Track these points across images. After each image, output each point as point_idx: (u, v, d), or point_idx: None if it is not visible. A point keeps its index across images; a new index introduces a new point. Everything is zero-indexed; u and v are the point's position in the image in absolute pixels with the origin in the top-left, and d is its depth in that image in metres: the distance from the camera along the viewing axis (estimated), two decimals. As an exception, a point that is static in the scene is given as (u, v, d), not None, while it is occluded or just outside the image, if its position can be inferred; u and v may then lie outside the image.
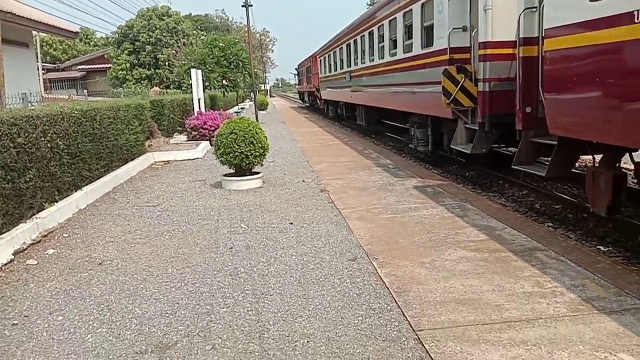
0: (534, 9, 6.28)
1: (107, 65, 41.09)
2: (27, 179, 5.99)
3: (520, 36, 6.43)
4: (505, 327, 3.44)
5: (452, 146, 9.19)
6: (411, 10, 10.57)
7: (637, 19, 4.16)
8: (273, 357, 3.20)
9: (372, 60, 14.67)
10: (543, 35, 5.76)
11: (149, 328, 3.66)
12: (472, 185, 9.02)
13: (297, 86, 60.68)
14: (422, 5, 9.89)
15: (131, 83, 35.63)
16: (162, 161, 11.78)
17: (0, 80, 7.27)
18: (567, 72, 5.25)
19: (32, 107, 7.20)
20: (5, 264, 5.07)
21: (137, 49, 38.41)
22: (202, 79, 18.15)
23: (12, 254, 5.27)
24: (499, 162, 9.52)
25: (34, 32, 18.31)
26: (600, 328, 3.36)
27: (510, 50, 7.26)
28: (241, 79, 25.83)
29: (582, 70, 5.06)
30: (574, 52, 5.10)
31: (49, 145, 6.58)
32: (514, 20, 6.82)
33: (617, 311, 3.58)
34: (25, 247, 5.55)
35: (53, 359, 3.32)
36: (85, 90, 15.70)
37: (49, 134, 6.60)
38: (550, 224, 6.54)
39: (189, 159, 12.23)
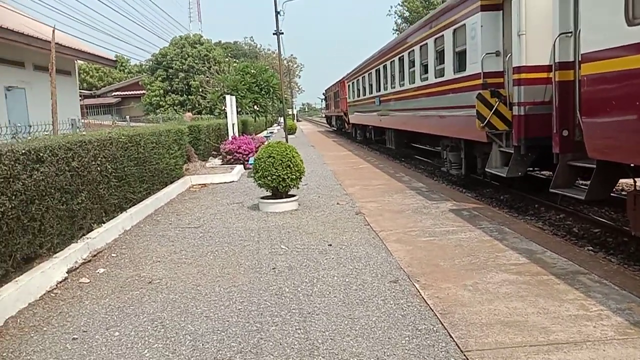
0: (569, 34, 6.37)
1: (141, 92, 42.44)
2: (79, 201, 6.30)
3: (555, 60, 6.52)
4: (553, 349, 3.47)
5: (486, 170, 9.22)
6: (443, 35, 10.76)
7: (677, 44, 4.23)
8: (325, 374, 3.31)
9: (402, 84, 14.87)
10: (580, 59, 5.84)
11: (202, 344, 3.81)
12: (507, 209, 9.01)
13: (324, 110, 61.35)
14: (454, 31, 10.06)
15: (164, 109, 36.65)
16: (200, 184, 12.10)
17: (53, 107, 7.68)
18: (605, 96, 5.31)
19: (83, 133, 7.57)
20: (60, 282, 5.32)
21: (170, 76, 39.62)
22: (235, 105, 18.64)
23: (66, 272, 5.53)
24: (532, 186, 9.49)
25: (75, 61, 19.19)
26: (650, 351, 3.36)
27: (544, 75, 7.34)
28: (270, 104, 26.38)
29: (621, 93, 5.12)
30: (612, 75, 5.17)
31: (98, 168, 6.90)
32: (547, 45, 6.93)
33: (666, 335, 3.57)
34: (77, 266, 5.80)
35: (114, 372, 3.49)
36: (127, 116, 16.29)
37: (99, 158, 6.93)
38: (591, 248, 6.50)
39: (224, 182, 12.52)
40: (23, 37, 13.08)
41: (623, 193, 8.72)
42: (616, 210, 8.02)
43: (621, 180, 8.00)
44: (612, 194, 7.57)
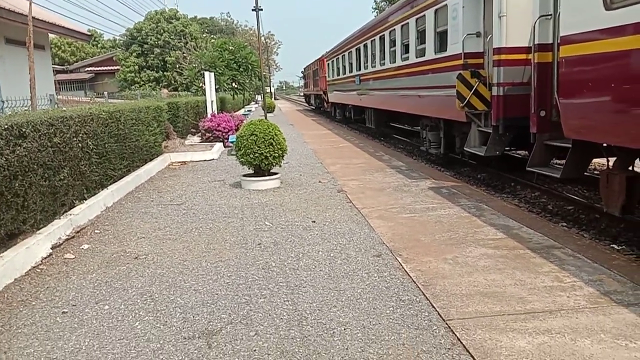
0: (549, 17, 6.51)
1: (116, 68, 41.49)
2: (61, 177, 6.24)
3: (535, 42, 6.67)
4: (530, 317, 3.66)
5: (465, 149, 9.42)
6: (424, 15, 10.82)
7: (652, 28, 4.39)
8: (314, 342, 3.44)
9: (383, 64, 14.92)
10: (559, 41, 6.00)
11: (193, 316, 3.90)
12: (485, 187, 9.25)
13: (302, 89, 61.00)
14: (436, 11, 10.13)
15: (139, 85, 35.98)
16: (179, 162, 12.04)
17: (32, 82, 7.52)
18: (583, 78, 5.48)
19: (64, 109, 7.46)
20: (45, 258, 5.32)
21: (146, 52, 38.79)
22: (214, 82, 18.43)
23: (50, 249, 5.52)
24: (509, 165, 9.74)
25: (49, 35, 18.61)
26: (619, 319, 3.58)
27: (523, 56, 7.50)
28: (249, 81, 26.14)
29: (597, 75, 5.29)
30: (590, 58, 5.33)
31: (80, 145, 6.83)
32: (527, 27, 7.07)
33: (634, 304, 3.80)
34: (61, 242, 5.80)
35: (106, 343, 3.55)
36: (105, 92, 15.98)
37: (80, 134, 6.85)
38: (565, 224, 6.77)
39: (204, 160, 12.48)
40: (-6, 9, 12.62)
41: (595, 172, 9.04)
42: (589, 188, 8.32)
43: (594, 160, 8.29)
44: (585, 173, 7.85)
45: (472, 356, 3.18)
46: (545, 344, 3.29)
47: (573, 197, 7.87)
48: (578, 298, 3.93)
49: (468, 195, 7.65)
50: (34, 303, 4.24)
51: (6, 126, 4.99)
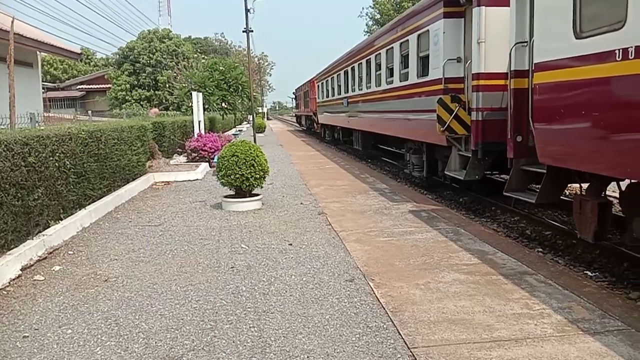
0: (525, 44, 6.61)
1: (107, 86, 41.62)
2: (36, 197, 6.19)
3: (511, 69, 6.75)
4: (495, 345, 3.63)
5: (446, 172, 9.46)
6: (408, 40, 10.96)
7: (618, 57, 4.47)
8: (275, 370, 3.38)
9: (369, 87, 15.06)
10: (533, 68, 6.08)
11: (155, 342, 3.83)
12: (465, 211, 9.27)
13: (294, 110, 61.36)
14: (419, 36, 10.27)
15: (130, 104, 36.03)
16: (163, 182, 11.99)
17: (12, 100, 7.50)
18: (555, 104, 5.55)
19: (41, 127, 7.43)
20: (14, 279, 5.23)
21: (137, 70, 38.99)
22: (202, 102, 18.50)
23: (20, 270, 5.44)
24: (492, 189, 9.78)
25: (38, 53, 18.64)
26: (584, 348, 3.56)
27: (502, 82, 7.59)
28: (239, 101, 26.29)
29: (569, 102, 5.36)
30: (561, 85, 5.41)
31: (56, 164, 6.79)
32: (505, 53, 7.16)
33: (600, 332, 3.78)
34: (32, 263, 5.71)
35: (64, 370, 3.48)
36: (89, 111, 15.97)
37: (57, 154, 6.82)
38: (540, 250, 6.77)
39: (189, 180, 12.44)
40: (-19, 26, 12.64)
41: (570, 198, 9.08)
42: (568, 213, 8.35)
43: (574, 185, 8.35)
44: (564, 198, 7.89)
45: (432, 386, 3.14)
46: (508, 373, 3.25)
47: (551, 222, 7.90)
48: (545, 326, 3.91)
49: (447, 219, 7.65)
50: (-6, 327, 4.15)
51: (-24, 146, 4.95)
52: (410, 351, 3.58)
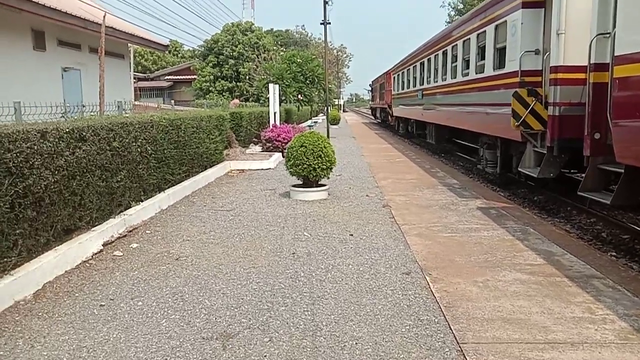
0: (607, 35, 6.23)
1: (193, 77, 43.61)
2: (119, 179, 6.72)
3: (591, 62, 6.40)
4: (549, 347, 3.53)
5: (519, 169, 9.12)
6: (485, 31, 10.62)
7: None
8: (323, 354, 3.51)
9: (445, 79, 14.74)
10: (614, 61, 5.73)
11: (215, 318, 4.09)
12: (538, 210, 8.90)
13: (370, 102, 61.08)
14: (496, 27, 9.93)
15: (213, 94, 37.56)
16: (238, 170, 12.50)
17: (101, 89, 8.16)
18: (636, 100, 5.20)
19: (127, 115, 8.01)
20: (96, 253, 5.75)
21: (221, 62, 40.49)
22: (279, 93, 18.97)
23: (102, 245, 5.95)
24: (569, 188, 9.31)
25: (129, 45, 19.99)
26: (647, 358, 3.38)
27: (582, 75, 7.18)
28: (316, 93, 26.63)
29: (652, 99, 5.02)
30: (644, 80, 5.06)
31: (139, 149, 7.31)
32: (586, 45, 6.79)
33: (668, 343, 3.57)
34: (113, 239, 6.23)
35: (132, 337, 3.81)
36: (172, 101, 16.92)
37: (140, 140, 7.34)
38: (614, 253, 6.40)
39: (262, 169, 12.87)
40: (80, 20, 13.78)
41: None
42: (653, 217, 7.80)
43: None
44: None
45: (477, 382, 3.13)
46: (558, 376, 3.17)
47: (631, 225, 7.41)
48: (607, 332, 3.74)
49: (517, 217, 7.40)
50: (77, 294, 4.60)
51: (68, 130, 5.46)
52: (459, 346, 3.57)
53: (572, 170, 9.05)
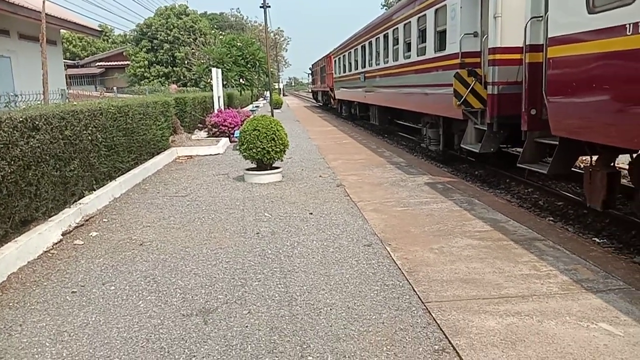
0: (540, 18, 6.73)
1: (125, 63, 42.03)
2: (72, 168, 6.59)
3: (526, 43, 6.90)
4: (503, 301, 3.94)
5: (462, 145, 9.67)
6: (425, 15, 11.05)
7: (629, 31, 4.63)
8: (301, 320, 3.74)
9: (387, 62, 15.16)
10: (547, 43, 6.23)
11: (191, 297, 4.22)
12: (480, 183, 9.50)
13: (310, 85, 61.26)
14: (436, 11, 10.36)
15: (149, 80, 36.43)
16: (186, 156, 12.39)
17: (45, 78, 7.88)
18: (568, 78, 5.73)
19: (74, 103, 7.80)
20: (56, 243, 5.67)
21: (155, 47, 39.27)
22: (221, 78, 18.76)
23: (61, 235, 5.87)
24: (506, 162, 9.98)
25: (60, 30, 19.03)
26: (586, 304, 3.85)
27: (518, 56, 7.72)
28: (256, 77, 26.48)
29: (581, 76, 5.54)
30: (574, 59, 5.58)
31: (89, 138, 7.18)
32: (521, 28, 7.29)
33: (603, 290, 4.07)
34: (71, 229, 6.14)
35: (111, 319, 3.88)
36: (115, 87, 16.38)
37: (90, 128, 7.20)
38: (551, 218, 7.02)
39: (210, 154, 12.83)
40: (8, 5, 13.03)
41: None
42: (581, 185, 8.53)
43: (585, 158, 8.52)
44: (576, 170, 8.08)
45: (444, 333, 3.47)
46: (513, 324, 3.57)
47: (563, 193, 8.11)
48: (551, 285, 4.20)
49: (462, 190, 7.91)
50: (45, 284, 4.58)
51: (21, 119, 5.33)
52: (424, 305, 3.91)
53: (508, 146, 9.69)
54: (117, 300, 4.21)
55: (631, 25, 4.65)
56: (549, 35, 6.09)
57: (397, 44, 13.80)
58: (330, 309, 3.89)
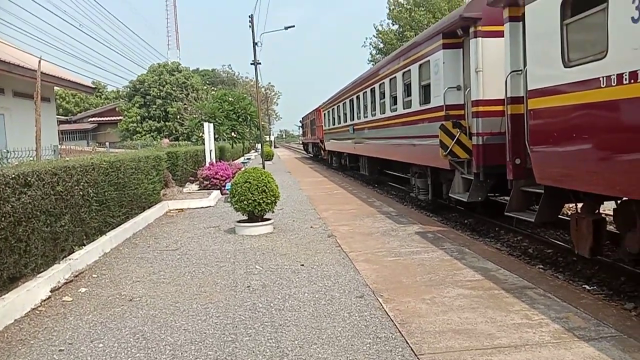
0: (519, 72, 7.03)
1: (118, 118, 42.56)
2: (62, 224, 6.59)
3: (508, 95, 7.17)
4: (496, 351, 3.92)
5: (450, 195, 9.80)
6: (410, 70, 11.46)
7: (603, 84, 4.86)
8: (293, 375, 3.69)
9: (374, 114, 15.55)
10: (527, 95, 6.48)
11: (181, 353, 4.15)
12: (470, 232, 9.56)
13: (301, 137, 62.14)
14: (420, 66, 10.76)
15: (141, 135, 36.80)
16: (177, 209, 12.39)
17: (38, 134, 7.99)
18: (549, 128, 5.93)
19: (67, 159, 7.88)
20: (44, 300, 5.59)
21: (148, 103, 39.90)
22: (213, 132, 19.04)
23: (50, 291, 5.80)
24: (495, 211, 10.09)
25: (54, 87, 19.40)
26: (579, 352, 3.84)
27: (500, 108, 7.98)
28: (247, 130, 26.88)
29: (561, 126, 5.74)
30: (553, 110, 5.80)
31: (81, 193, 7.21)
32: (502, 81, 7.59)
33: (595, 338, 4.06)
34: (60, 285, 6.07)
35: (99, 378, 3.80)
36: (107, 142, 16.56)
37: (82, 183, 7.24)
38: (541, 266, 7.05)
39: (202, 207, 12.84)
40: (4, 64, 13.34)
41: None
42: (570, 232, 8.63)
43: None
44: (563, 217, 8.19)
45: (437, 386, 3.43)
46: (507, 375, 3.54)
47: (553, 240, 8.18)
48: (543, 334, 4.20)
49: (452, 239, 7.95)
50: (32, 342, 4.49)
51: (13, 175, 5.37)
52: (417, 358, 3.88)
53: (496, 194, 9.84)
54: (105, 358, 4.14)
55: (604, 78, 4.88)
56: (529, 88, 6.34)
57: (384, 97, 14.20)
58: (323, 363, 3.84)
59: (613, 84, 4.71)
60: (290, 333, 4.46)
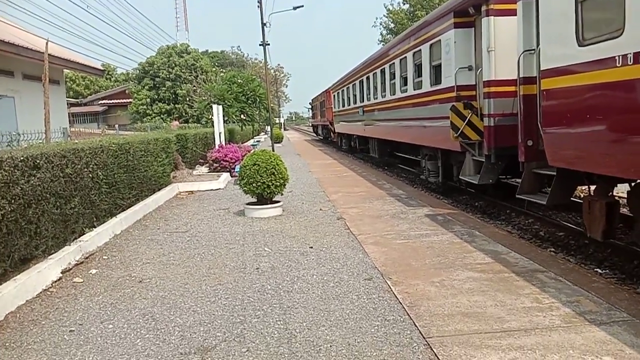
0: (532, 51, 6.87)
1: (128, 100, 42.61)
2: (72, 206, 6.62)
3: (520, 76, 7.02)
4: (505, 335, 3.89)
5: (460, 177, 9.71)
6: (420, 50, 11.28)
7: (619, 63, 4.72)
8: (301, 358, 3.69)
9: (384, 95, 15.38)
10: (540, 75, 6.34)
11: (190, 334, 4.17)
12: (480, 214, 9.49)
13: (310, 120, 61.92)
14: (431, 46, 10.58)
15: (151, 117, 36.85)
16: (187, 191, 12.43)
17: (46, 117, 8.00)
18: (562, 109, 5.80)
19: (76, 141, 7.89)
20: (55, 281, 5.64)
21: (157, 85, 39.85)
22: (222, 114, 19.01)
23: (60, 273, 5.85)
24: (506, 193, 9.99)
25: (63, 70, 19.40)
26: (589, 336, 3.80)
27: (512, 88, 7.84)
28: (257, 113, 26.82)
29: (574, 107, 5.61)
30: (566, 91, 5.67)
31: (90, 175, 7.23)
32: (515, 61, 7.43)
33: (606, 323, 4.02)
34: (70, 267, 6.12)
35: (109, 358, 3.83)
36: (116, 125, 16.59)
37: (91, 165, 7.26)
38: (553, 249, 6.98)
39: (211, 189, 12.87)
40: (13, 47, 13.33)
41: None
42: (582, 215, 8.53)
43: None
44: (575, 200, 8.09)
45: (446, 369, 3.41)
46: (516, 359, 3.51)
47: (564, 223, 8.09)
48: (554, 318, 4.15)
49: (462, 222, 7.89)
50: (43, 322, 4.54)
51: (22, 158, 5.38)
52: (426, 340, 3.86)
53: (507, 177, 9.73)
54: (115, 338, 4.17)
55: (620, 57, 4.74)
56: (542, 68, 6.20)
57: (394, 78, 14.03)
58: (331, 346, 3.84)
59: (629, 63, 4.57)
60: (298, 315, 4.46)
